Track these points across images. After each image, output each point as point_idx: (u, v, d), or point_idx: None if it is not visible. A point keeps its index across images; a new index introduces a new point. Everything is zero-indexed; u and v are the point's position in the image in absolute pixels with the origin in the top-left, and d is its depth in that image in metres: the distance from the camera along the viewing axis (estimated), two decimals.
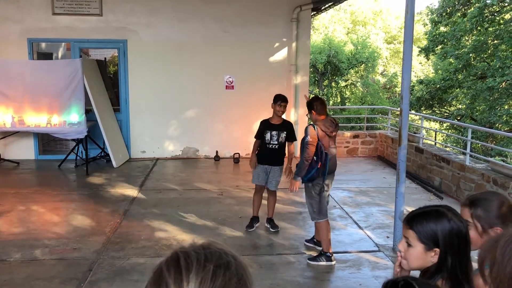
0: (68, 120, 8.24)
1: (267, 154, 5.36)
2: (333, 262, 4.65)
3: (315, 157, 4.55)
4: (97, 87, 8.86)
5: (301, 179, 4.66)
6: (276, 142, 5.30)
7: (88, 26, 9.09)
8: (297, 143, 6.80)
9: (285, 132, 5.32)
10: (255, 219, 5.58)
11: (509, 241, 1.05)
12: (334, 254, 4.73)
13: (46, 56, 10.35)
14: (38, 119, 8.33)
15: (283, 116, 5.42)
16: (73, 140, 8.69)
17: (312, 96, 9.57)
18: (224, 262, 0.87)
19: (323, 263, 4.63)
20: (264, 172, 5.39)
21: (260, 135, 5.37)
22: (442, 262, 1.56)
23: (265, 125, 5.35)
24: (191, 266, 0.85)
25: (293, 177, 4.77)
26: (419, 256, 1.58)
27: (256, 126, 5.67)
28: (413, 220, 1.60)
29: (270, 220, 5.59)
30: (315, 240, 5.04)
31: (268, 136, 5.29)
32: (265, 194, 5.58)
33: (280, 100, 5.23)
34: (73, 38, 9.14)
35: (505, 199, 1.82)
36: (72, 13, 9.00)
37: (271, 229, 5.52)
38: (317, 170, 4.57)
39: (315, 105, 4.67)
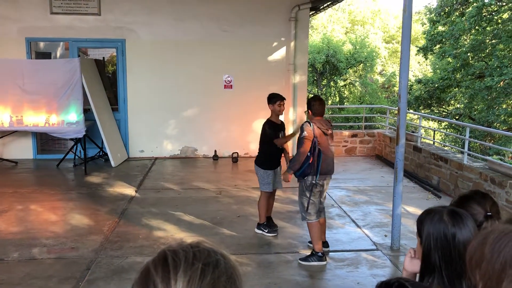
0: (66, 119, 8.23)
1: (279, 155, 5.34)
2: (324, 262, 4.65)
3: (308, 153, 4.56)
4: (96, 86, 8.85)
5: (294, 173, 4.65)
6: None
7: (87, 26, 9.08)
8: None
9: (283, 131, 5.36)
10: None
11: (498, 238, 1.05)
12: (331, 253, 4.74)
13: (44, 55, 10.33)
14: (37, 119, 8.32)
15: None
16: (72, 139, 8.67)
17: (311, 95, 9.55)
18: (213, 260, 0.86)
19: (314, 263, 4.62)
20: (273, 176, 5.34)
21: (274, 137, 5.26)
22: (427, 259, 1.58)
23: (274, 127, 5.25)
24: (179, 264, 0.84)
25: (286, 170, 4.76)
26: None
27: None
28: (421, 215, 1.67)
29: (269, 219, 5.57)
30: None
31: (280, 137, 5.26)
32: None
33: (279, 100, 5.21)
34: (72, 37, 9.13)
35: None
36: (70, 12, 8.99)
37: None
38: (309, 165, 4.57)
39: (312, 105, 4.69)
